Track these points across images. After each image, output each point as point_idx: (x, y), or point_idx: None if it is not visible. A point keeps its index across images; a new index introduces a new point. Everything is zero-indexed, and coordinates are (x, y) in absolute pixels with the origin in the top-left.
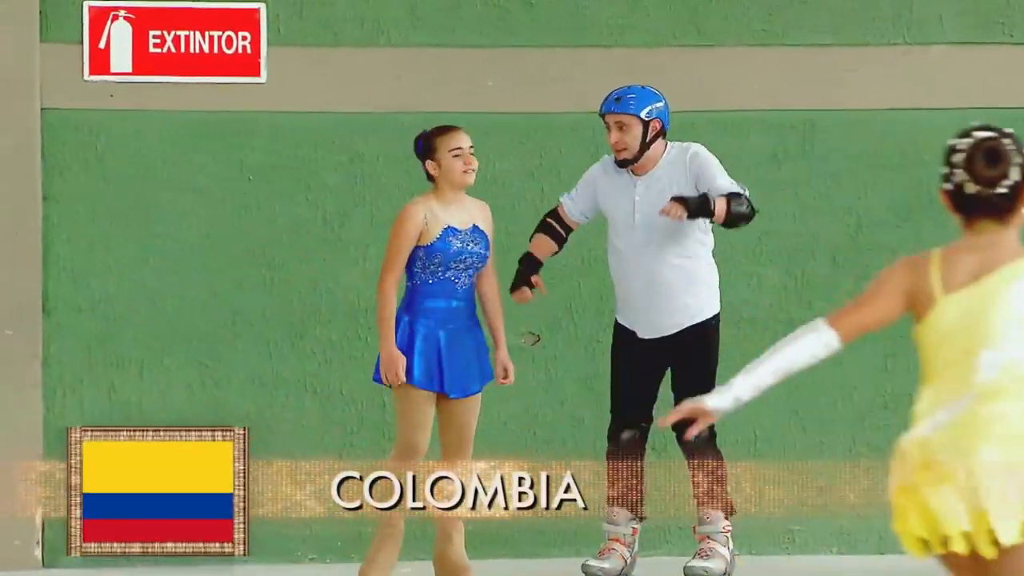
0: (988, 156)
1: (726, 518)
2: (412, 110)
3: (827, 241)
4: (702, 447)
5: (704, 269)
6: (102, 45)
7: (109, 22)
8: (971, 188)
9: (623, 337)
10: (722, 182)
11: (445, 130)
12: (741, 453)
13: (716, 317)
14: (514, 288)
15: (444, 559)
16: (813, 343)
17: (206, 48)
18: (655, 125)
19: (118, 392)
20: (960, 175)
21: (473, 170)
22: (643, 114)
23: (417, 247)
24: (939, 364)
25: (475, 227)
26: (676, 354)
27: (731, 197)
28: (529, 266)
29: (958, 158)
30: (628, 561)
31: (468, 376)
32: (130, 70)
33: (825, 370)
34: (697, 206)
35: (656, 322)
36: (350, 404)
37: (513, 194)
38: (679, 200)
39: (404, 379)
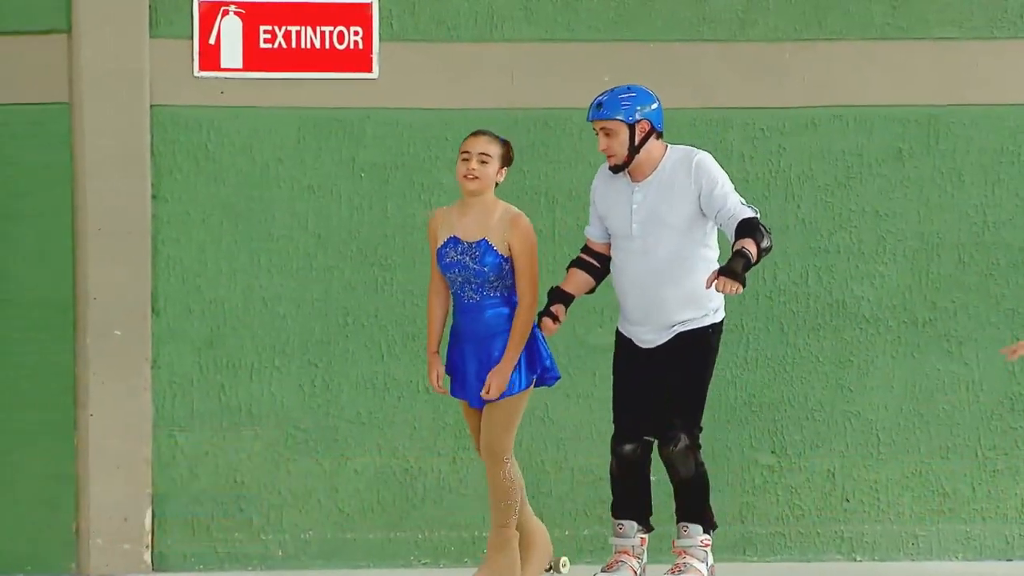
0: None
1: (705, 531)
2: (526, 106)
3: (952, 239)
4: (680, 458)
5: (696, 277)
6: (212, 40)
7: (219, 17)
8: None
9: (623, 347)
10: (734, 206)
11: (473, 134)
12: (863, 456)
13: (716, 327)
14: (540, 320)
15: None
16: None
17: (317, 43)
18: (643, 127)
19: (228, 394)
20: None
21: (473, 178)
22: (627, 117)
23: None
24: None
25: (483, 241)
26: (666, 360)
27: (753, 234)
28: (553, 298)
29: None
30: (638, 572)
31: (472, 390)
32: (241, 66)
33: (949, 372)
34: (743, 268)
35: (656, 333)
36: (457, 406)
37: None
38: (729, 275)
39: (436, 383)
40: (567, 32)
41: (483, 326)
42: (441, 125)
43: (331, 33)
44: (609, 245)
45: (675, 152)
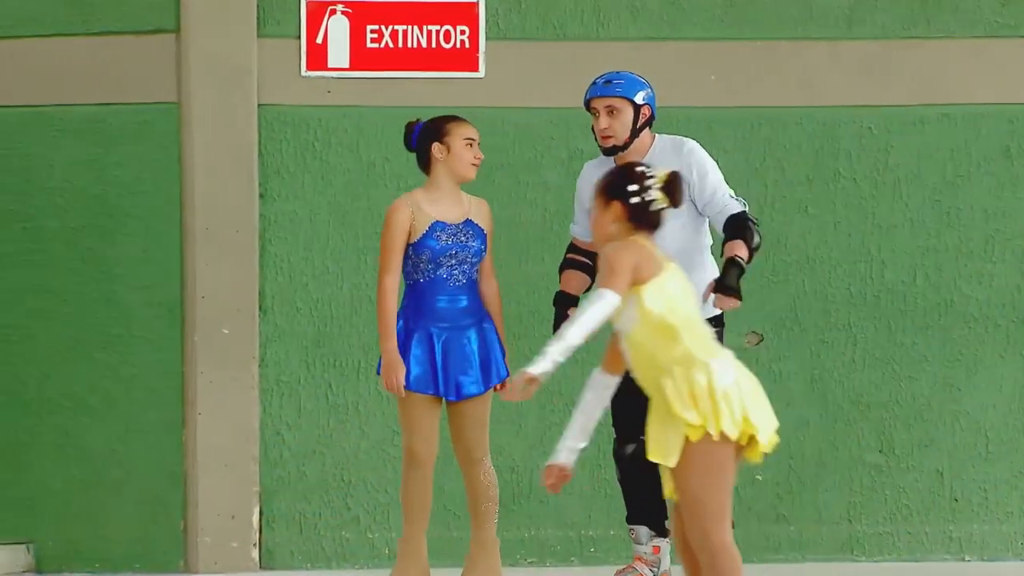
0: None
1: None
2: None
3: None
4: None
5: (706, 270)
6: (319, 40)
7: (327, 17)
8: None
9: None
10: (723, 198)
11: (457, 118)
12: (972, 456)
13: (717, 319)
14: (555, 329)
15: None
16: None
17: (424, 42)
18: (645, 111)
19: (335, 393)
20: None
21: (478, 165)
22: (636, 98)
23: (407, 245)
24: None
25: (468, 221)
26: None
27: (743, 233)
28: (563, 304)
29: None
30: None
31: (466, 377)
32: (347, 65)
33: None
34: (738, 278)
35: None
36: (569, 405)
37: (737, 191)
38: (724, 291)
39: (402, 384)
40: (673, 30)
41: (464, 310)
42: (547, 124)
43: (438, 32)
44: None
45: (664, 139)
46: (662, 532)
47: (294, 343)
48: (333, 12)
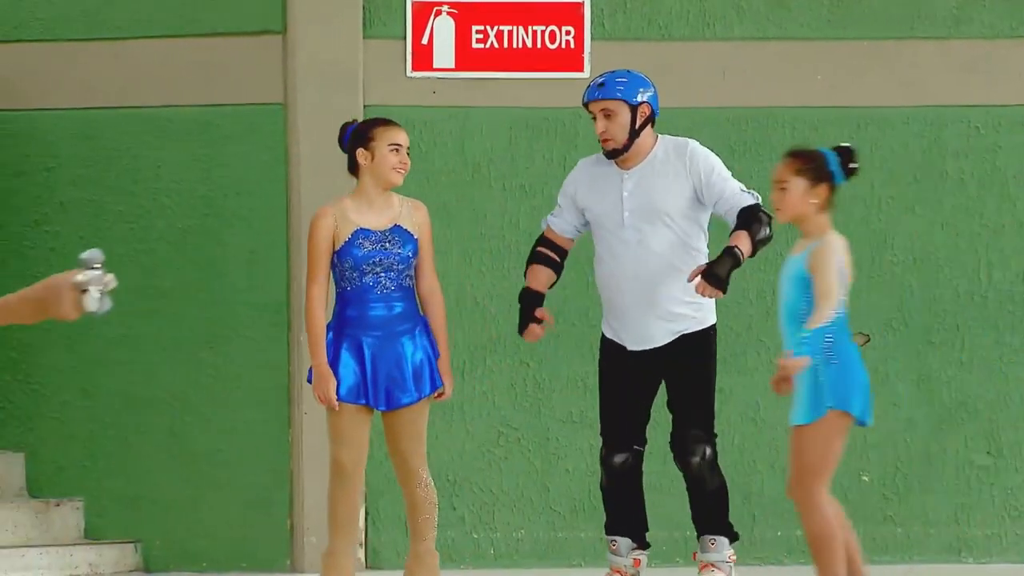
0: None
1: (731, 544)
2: (738, 105)
3: None
4: (708, 471)
5: (687, 286)
6: (425, 40)
7: (432, 17)
8: None
9: (611, 352)
10: (733, 193)
11: (385, 122)
12: None
13: (714, 327)
14: (521, 329)
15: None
16: None
17: (529, 43)
18: (644, 111)
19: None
20: None
21: (405, 171)
22: (630, 98)
23: (332, 253)
24: None
25: (396, 227)
26: (670, 366)
27: (750, 225)
28: (529, 301)
29: None
30: None
31: (398, 387)
32: (453, 66)
33: None
34: (729, 271)
35: (647, 331)
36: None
37: (842, 191)
38: (712, 280)
39: (334, 397)
40: (779, 30)
41: (398, 317)
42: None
43: (543, 32)
44: (572, 241)
45: (666, 141)
46: (643, 544)
47: None
48: (439, 13)
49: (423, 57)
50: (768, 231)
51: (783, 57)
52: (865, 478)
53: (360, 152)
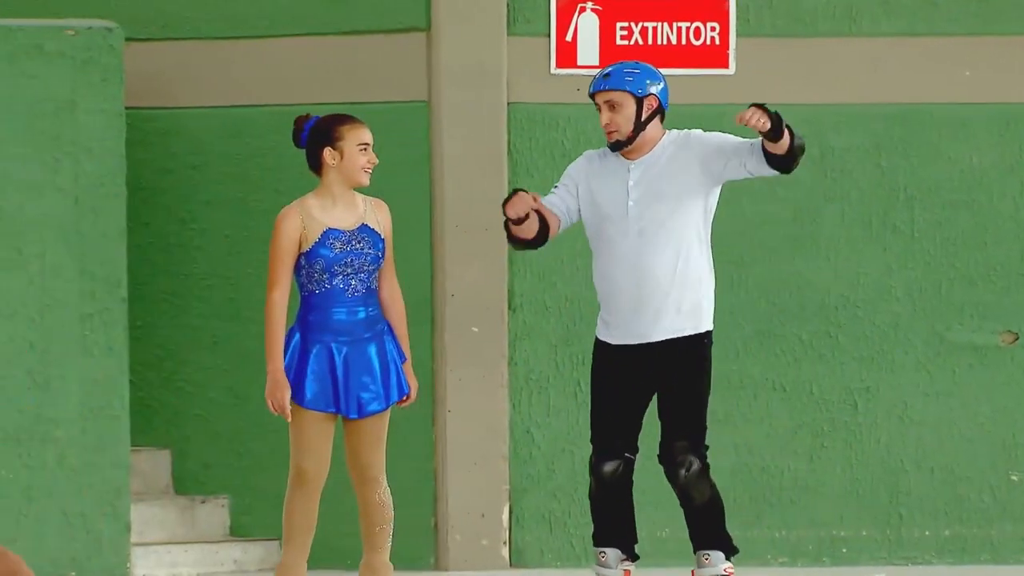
0: None
1: (727, 558)
2: (886, 101)
3: None
4: (695, 483)
5: (703, 267)
6: (569, 37)
7: (576, 14)
8: None
9: (605, 356)
10: (743, 141)
11: (351, 120)
12: None
13: (709, 335)
14: (507, 200)
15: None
16: None
17: (673, 39)
18: (651, 103)
19: (584, 391)
20: None
21: (371, 170)
22: (636, 90)
23: (299, 255)
24: None
25: (363, 226)
26: (662, 374)
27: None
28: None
29: None
30: None
31: (368, 394)
32: (597, 63)
33: None
34: (775, 115)
35: (642, 327)
36: (820, 405)
37: (991, 188)
38: (760, 107)
39: (287, 407)
40: (927, 26)
41: (366, 321)
42: (798, 121)
43: (688, 29)
44: (559, 221)
45: (672, 135)
46: (632, 556)
47: (543, 341)
48: (583, 9)
49: (567, 54)
50: (802, 141)
51: (931, 53)
52: (1014, 478)
53: (328, 152)
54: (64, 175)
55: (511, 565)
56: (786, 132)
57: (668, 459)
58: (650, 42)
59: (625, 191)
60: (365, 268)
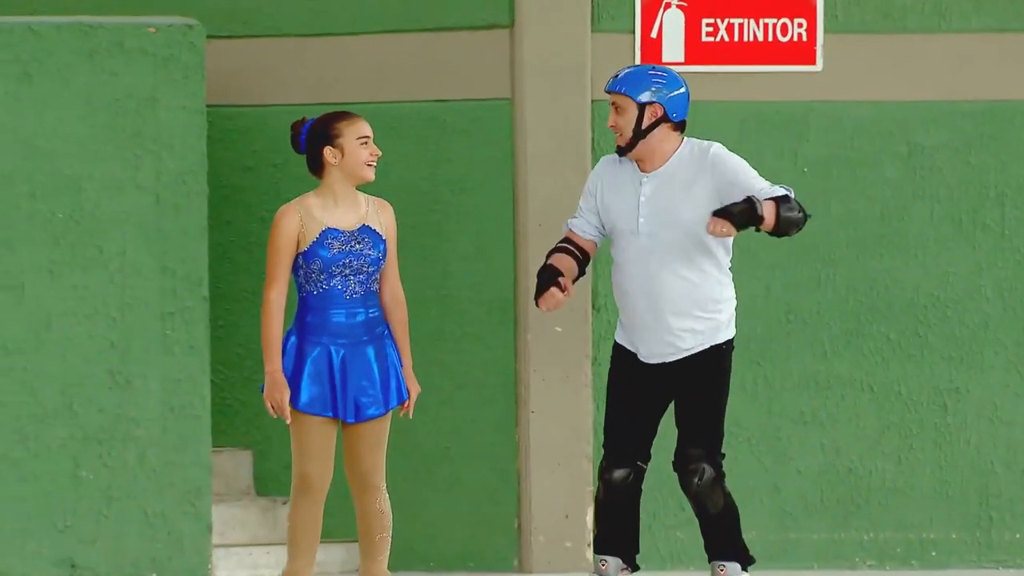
0: None
1: (744, 569)
2: (975, 98)
3: None
4: (708, 492)
5: (716, 287)
6: (654, 34)
7: (661, 10)
8: None
9: (622, 359)
10: (757, 186)
11: (347, 116)
12: None
13: (729, 343)
14: (538, 295)
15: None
16: None
17: (760, 36)
18: (655, 111)
19: None
20: None
21: (375, 164)
22: (638, 97)
23: (297, 254)
24: None
25: (364, 227)
26: (679, 381)
27: (779, 201)
28: (550, 273)
29: None
30: None
31: (367, 398)
32: (682, 59)
33: None
34: (741, 213)
35: (658, 345)
36: (909, 405)
37: None
38: (721, 214)
39: (286, 408)
40: (1018, 22)
41: (365, 324)
42: (886, 118)
43: (774, 25)
44: (594, 243)
45: (690, 145)
46: (633, 567)
47: None
48: (668, 6)
49: (652, 51)
50: (799, 215)
51: (1021, 50)
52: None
53: (328, 150)
54: (145, 173)
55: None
56: (769, 214)
57: (682, 467)
58: (736, 39)
59: (636, 206)
60: (364, 270)
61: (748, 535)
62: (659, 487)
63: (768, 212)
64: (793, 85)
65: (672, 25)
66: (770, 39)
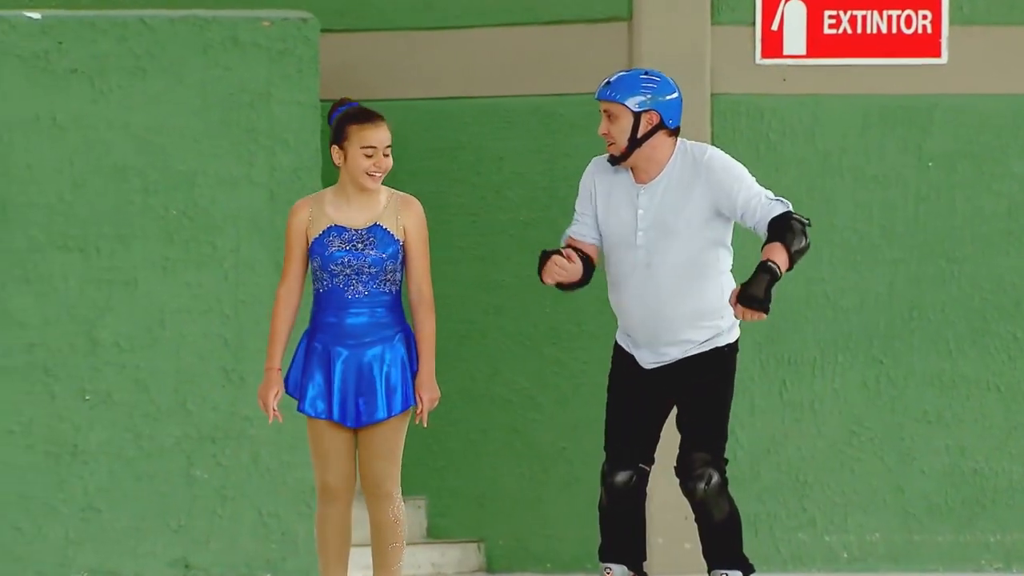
0: None
1: None
2: None
3: None
4: (714, 498)
5: (717, 295)
6: (775, 27)
7: (782, 3)
8: None
9: (622, 361)
10: (760, 204)
11: (362, 119)
12: None
13: (732, 346)
14: (542, 264)
15: None
16: None
17: (883, 28)
18: (650, 119)
19: (789, 390)
20: None
21: (380, 175)
22: (632, 104)
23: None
24: None
25: (375, 227)
26: (681, 383)
27: (784, 235)
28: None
29: None
30: None
31: (368, 403)
32: (804, 52)
33: None
34: (767, 287)
35: (657, 355)
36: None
37: None
38: (745, 301)
39: (270, 405)
40: None
41: (369, 327)
42: (1012, 112)
43: (898, 17)
44: (596, 247)
45: (683, 149)
46: (640, 573)
47: (747, 339)
48: None
49: (773, 44)
50: (805, 240)
51: None
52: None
53: (334, 149)
54: (259, 169)
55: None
56: (784, 263)
57: (685, 472)
58: (859, 31)
59: (634, 219)
60: (366, 271)
61: (871, 537)
62: (777, 488)
63: (782, 261)
64: (917, 78)
65: (794, 17)
66: (894, 31)
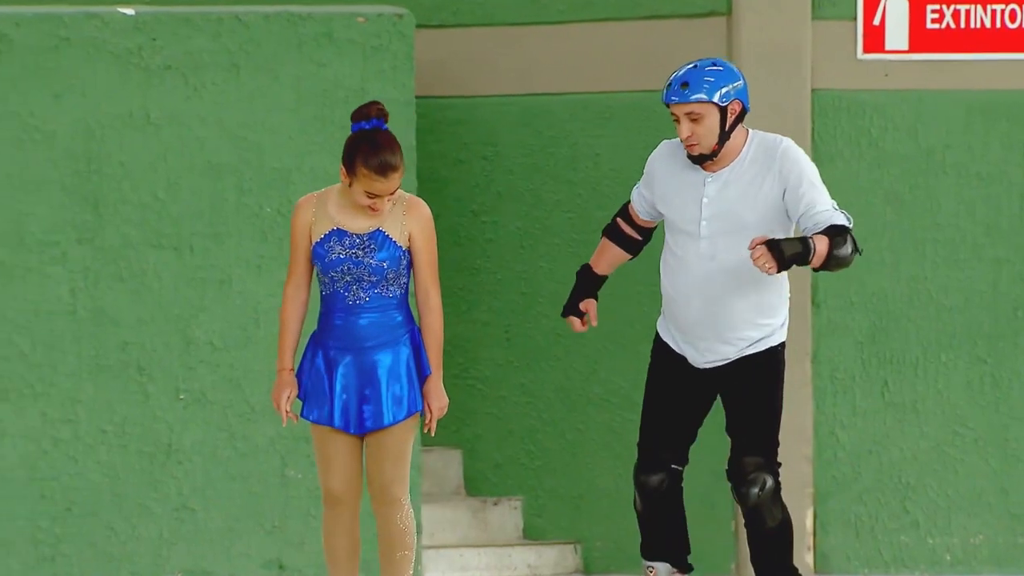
0: None
1: None
2: None
3: None
4: (768, 504)
5: (777, 291)
6: (877, 21)
7: None
8: None
9: (665, 357)
10: (820, 204)
11: (374, 167)
12: None
13: (783, 345)
14: (565, 312)
15: None
16: None
17: (987, 22)
18: (734, 108)
19: (891, 390)
20: None
21: (380, 214)
22: (718, 98)
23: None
24: None
25: (377, 232)
26: (729, 386)
27: (833, 236)
28: (584, 284)
29: None
30: None
31: (371, 408)
32: (906, 47)
33: None
34: (793, 256)
35: (709, 353)
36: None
37: None
38: (771, 248)
39: (282, 406)
40: None
41: (372, 331)
42: None
43: (1002, 11)
44: (651, 223)
45: (756, 139)
46: (684, 568)
47: (848, 338)
48: None
49: (875, 38)
50: (849, 251)
51: None
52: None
53: (343, 170)
54: None
55: (816, 571)
56: (822, 251)
57: (738, 477)
58: (962, 25)
59: (699, 207)
60: (366, 278)
61: (975, 539)
62: (879, 489)
63: (820, 249)
64: (1022, 73)
65: (896, 11)
66: (997, 26)
